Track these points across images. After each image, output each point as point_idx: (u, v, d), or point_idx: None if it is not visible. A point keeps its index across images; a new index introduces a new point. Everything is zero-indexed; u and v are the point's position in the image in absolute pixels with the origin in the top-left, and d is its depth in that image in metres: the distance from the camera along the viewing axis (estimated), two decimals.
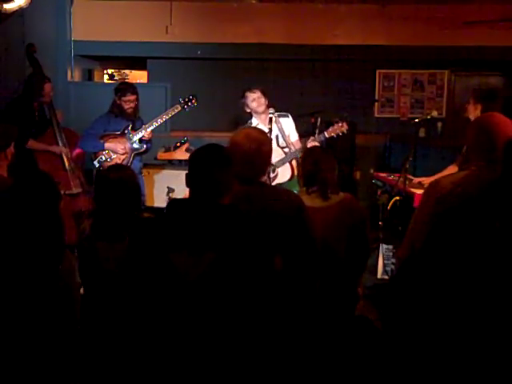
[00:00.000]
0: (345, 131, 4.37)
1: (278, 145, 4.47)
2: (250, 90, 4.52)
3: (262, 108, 4.51)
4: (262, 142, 2.54)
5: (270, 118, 4.40)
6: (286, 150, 4.48)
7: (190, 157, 2.18)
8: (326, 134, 4.41)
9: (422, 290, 1.94)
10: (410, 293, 1.97)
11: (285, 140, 4.51)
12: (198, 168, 2.10)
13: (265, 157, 2.55)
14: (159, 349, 1.99)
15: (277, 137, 4.47)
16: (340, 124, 4.37)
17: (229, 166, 2.12)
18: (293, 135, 4.62)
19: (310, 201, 2.87)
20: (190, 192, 2.13)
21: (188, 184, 2.12)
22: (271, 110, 4.47)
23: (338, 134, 4.39)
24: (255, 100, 4.49)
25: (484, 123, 2.61)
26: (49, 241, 2.33)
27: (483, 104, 4.11)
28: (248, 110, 4.58)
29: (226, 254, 1.95)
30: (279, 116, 4.54)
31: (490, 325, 1.89)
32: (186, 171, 2.14)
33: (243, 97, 4.54)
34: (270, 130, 4.24)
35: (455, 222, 2.29)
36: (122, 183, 2.76)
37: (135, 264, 2.15)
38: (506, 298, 1.95)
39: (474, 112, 4.12)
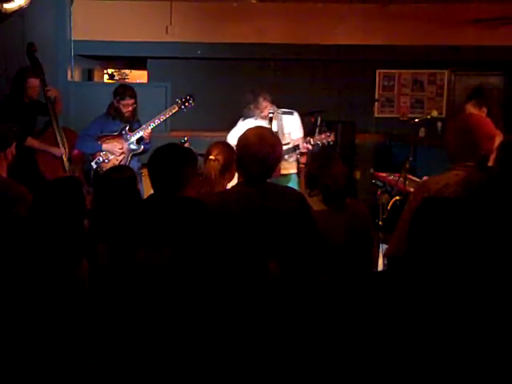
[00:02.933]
0: (331, 142, 4.42)
1: None
2: (267, 99, 4.53)
3: (267, 117, 4.53)
4: (275, 144, 2.52)
5: (271, 118, 4.42)
6: (285, 147, 4.49)
7: (150, 156, 2.36)
8: (311, 140, 4.45)
9: (409, 287, 1.95)
10: (398, 290, 1.98)
11: (282, 137, 4.52)
12: (156, 165, 2.29)
13: (276, 159, 2.54)
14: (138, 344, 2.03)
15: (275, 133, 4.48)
16: (328, 134, 4.42)
17: (185, 162, 2.28)
18: (294, 133, 4.62)
19: (312, 204, 2.85)
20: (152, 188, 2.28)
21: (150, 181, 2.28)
22: (271, 110, 4.48)
23: (323, 143, 4.44)
24: (266, 109, 4.51)
25: (466, 124, 2.62)
26: (68, 245, 2.33)
27: (487, 105, 4.11)
28: (251, 109, 4.58)
29: (182, 248, 2.00)
30: (283, 113, 4.57)
31: (482, 327, 1.89)
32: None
33: (255, 100, 4.54)
34: None
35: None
36: (122, 184, 2.77)
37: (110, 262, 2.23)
38: (494, 295, 1.96)
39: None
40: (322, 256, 2.51)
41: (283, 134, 4.57)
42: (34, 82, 4.77)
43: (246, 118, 4.69)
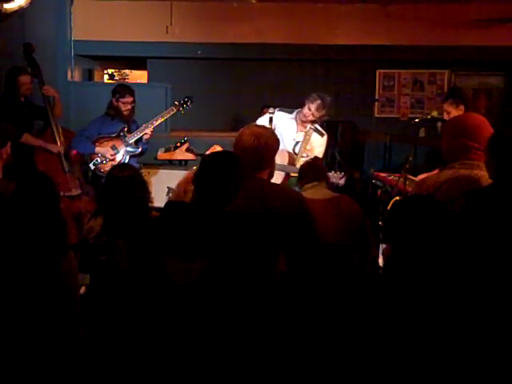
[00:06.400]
0: (339, 184, 4.17)
1: (294, 150, 4.48)
2: (320, 106, 4.36)
3: (305, 121, 4.46)
4: (265, 137, 2.53)
5: (270, 118, 4.41)
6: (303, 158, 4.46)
7: (202, 162, 2.17)
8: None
9: (407, 286, 1.96)
10: (395, 289, 1.98)
11: (303, 150, 4.52)
12: (211, 174, 2.09)
13: (268, 150, 2.53)
14: (153, 349, 2.00)
15: (297, 143, 4.48)
16: (341, 176, 4.17)
17: (239, 174, 2.12)
18: (315, 152, 4.56)
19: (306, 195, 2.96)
20: (196, 196, 2.12)
21: (196, 188, 2.11)
22: (271, 110, 4.47)
23: (332, 182, 4.15)
24: (309, 115, 4.40)
25: (461, 124, 2.64)
26: (50, 242, 2.33)
27: (465, 104, 4.17)
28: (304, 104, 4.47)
29: (219, 261, 1.94)
30: (315, 130, 4.52)
31: (476, 322, 1.90)
32: (186, 171, 2.16)
33: (313, 98, 4.38)
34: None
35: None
36: (132, 181, 2.79)
37: (133, 265, 2.17)
38: (491, 291, 1.97)
39: (457, 113, 4.16)
40: (318, 257, 2.52)
41: (305, 148, 4.52)
42: (25, 79, 4.77)
43: (281, 110, 4.58)
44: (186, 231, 1.98)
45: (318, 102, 4.37)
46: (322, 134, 4.59)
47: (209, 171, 2.10)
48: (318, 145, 4.59)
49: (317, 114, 4.41)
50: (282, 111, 4.58)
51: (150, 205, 2.93)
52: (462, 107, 4.16)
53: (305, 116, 4.44)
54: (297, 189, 3.35)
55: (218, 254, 1.96)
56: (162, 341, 1.97)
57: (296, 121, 4.54)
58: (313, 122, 4.50)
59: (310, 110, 4.40)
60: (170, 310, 1.97)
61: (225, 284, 1.94)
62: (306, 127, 4.51)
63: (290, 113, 4.57)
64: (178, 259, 1.94)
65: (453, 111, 4.18)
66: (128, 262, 2.49)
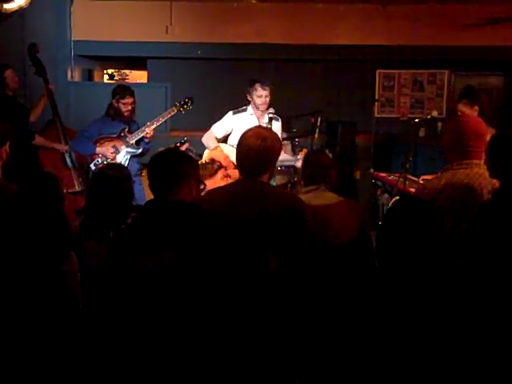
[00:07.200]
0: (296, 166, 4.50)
1: None
2: (263, 84, 4.55)
3: (263, 107, 4.54)
4: (270, 139, 2.53)
5: (270, 118, 4.42)
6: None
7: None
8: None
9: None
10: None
11: None
12: (150, 167, 2.28)
13: (271, 153, 2.52)
14: (141, 347, 2.02)
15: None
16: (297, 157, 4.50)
17: (176, 163, 2.24)
18: None
19: (309, 199, 2.89)
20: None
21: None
22: (271, 110, 4.49)
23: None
24: (262, 97, 4.53)
25: (459, 125, 2.68)
26: (52, 242, 2.33)
27: (479, 104, 4.16)
28: (249, 99, 4.62)
29: (182, 251, 2.00)
30: (273, 117, 4.58)
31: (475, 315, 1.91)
32: None
33: (252, 86, 4.57)
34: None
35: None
36: (116, 182, 2.78)
37: (109, 267, 2.20)
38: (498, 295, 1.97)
39: (472, 114, 4.15)
40: (311, 259, 2.52)
41: None
42: (11, 72, 4.81)
43: (236, 112, 4.71)
44: (146, 227, 2.09)
45: (258, 83, 4.55)
46: (277, 119, 4.69)
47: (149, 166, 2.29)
48: (276, 130, 4.61)
49: (267, 91, 4.54)
50: (238, 113, 4.70)
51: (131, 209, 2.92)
52: (476, 107, 4.13)
53: (263, 103, 4.55)
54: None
55: (179, 244, 2.01)
56: (145, 339, 2.00)
57: (256, 115, 4.59)
58: (268, 106, 4.59)
59: (260, 95, 4.52)
60: (147, 304, 2.01)
61: (192, 274, 1.97)
62: (264, 118, 4.56)
63: (245, 111, 4.63)
64: (144, 256, 2.01)
65: (467, 111, 4.15)
66: (96, 262, 2.51)
